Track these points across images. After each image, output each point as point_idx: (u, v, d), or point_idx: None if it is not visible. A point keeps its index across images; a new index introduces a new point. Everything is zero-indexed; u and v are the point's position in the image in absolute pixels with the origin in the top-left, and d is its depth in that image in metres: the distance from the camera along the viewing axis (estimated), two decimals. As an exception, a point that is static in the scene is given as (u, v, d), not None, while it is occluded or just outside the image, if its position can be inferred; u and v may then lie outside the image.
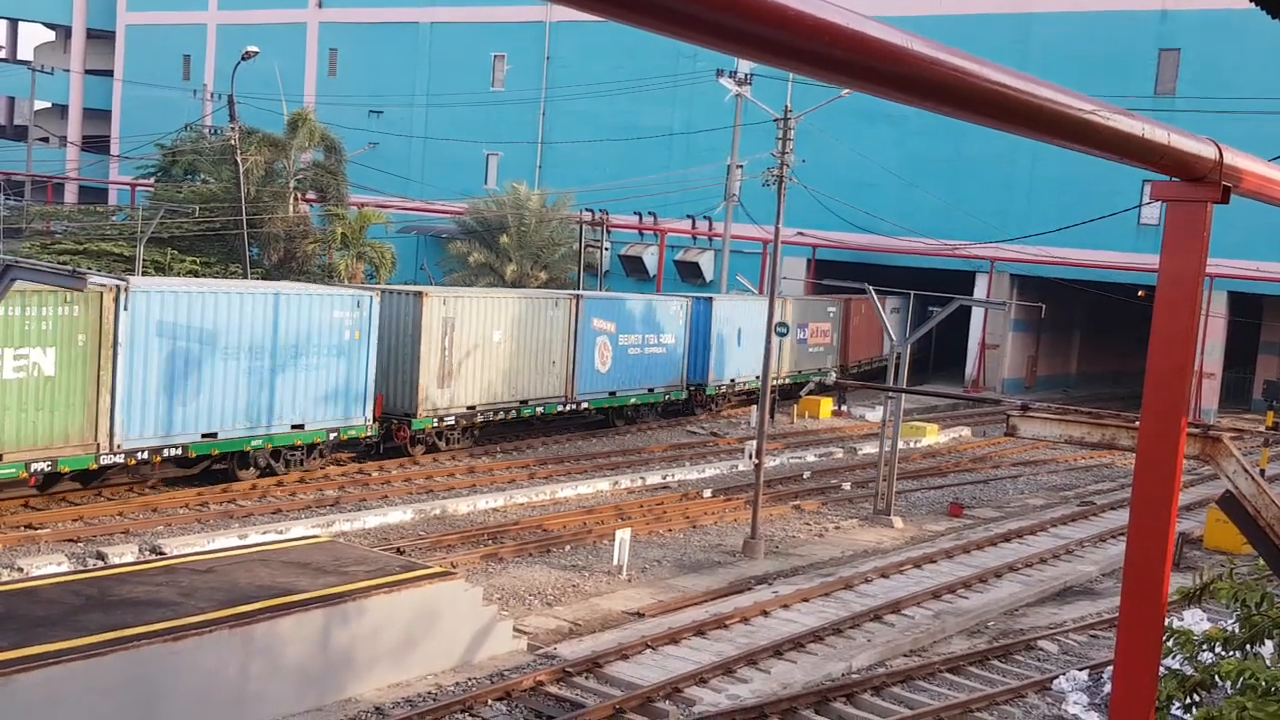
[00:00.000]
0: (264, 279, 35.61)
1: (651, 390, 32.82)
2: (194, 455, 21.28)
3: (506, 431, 30.15)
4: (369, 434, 24.59)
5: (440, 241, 49.86)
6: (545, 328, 28.95)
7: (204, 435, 21.01)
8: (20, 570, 16.32)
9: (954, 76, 3.29)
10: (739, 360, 36.21)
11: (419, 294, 25.94)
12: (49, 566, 16.51)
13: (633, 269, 51.78)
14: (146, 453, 20.11)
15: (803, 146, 34.09)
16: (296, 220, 41.21)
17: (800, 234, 45.29)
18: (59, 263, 29.51)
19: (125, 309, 19.35)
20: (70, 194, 68.64)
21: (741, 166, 41.31)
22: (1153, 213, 39.28)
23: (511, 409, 28.32)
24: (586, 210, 45.09)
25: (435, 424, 26.25)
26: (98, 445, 19.25)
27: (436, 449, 26.64)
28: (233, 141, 37.00)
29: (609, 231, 46.19)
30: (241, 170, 36.15)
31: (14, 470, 18.26)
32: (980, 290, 45.48)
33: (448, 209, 49.54)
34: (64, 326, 18.64)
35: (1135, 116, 4.15)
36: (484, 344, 27.24)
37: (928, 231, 44.19)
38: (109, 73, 71.62)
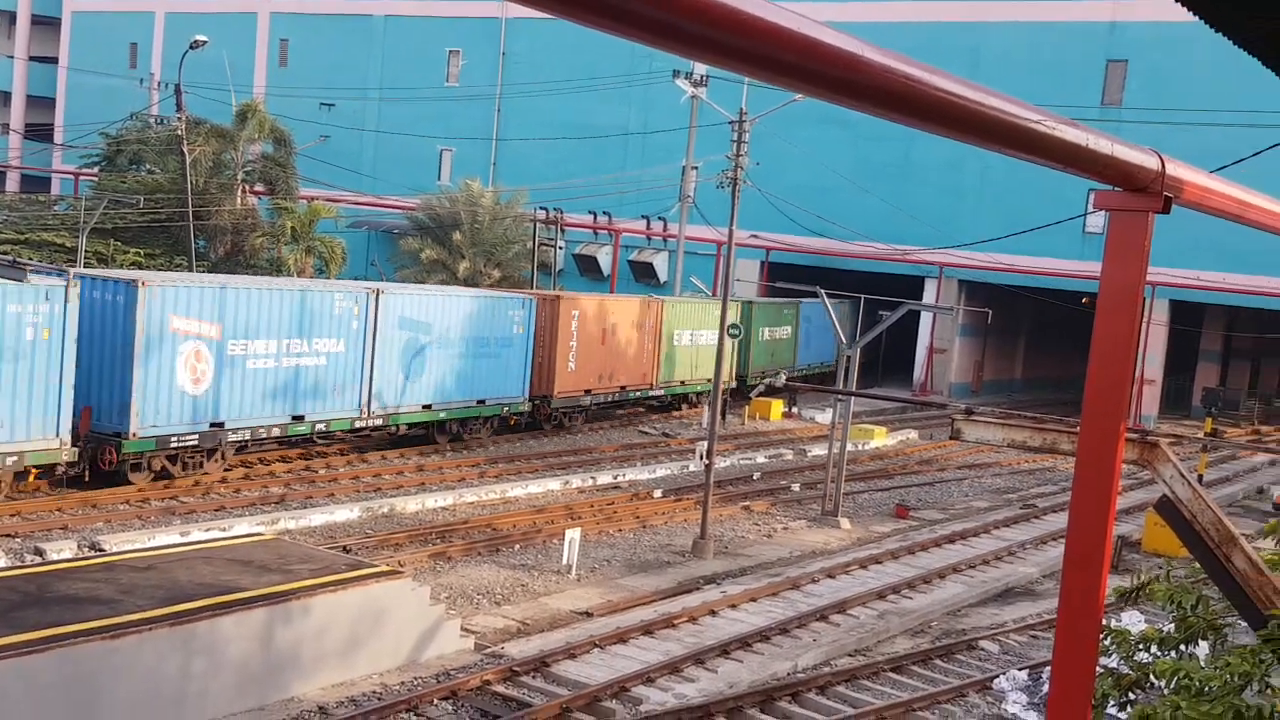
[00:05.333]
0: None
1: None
2: None
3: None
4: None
5: (392, 237, 49.46)
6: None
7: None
8: (-45, 566, 15.98)
9: (905, 85, 3.32)
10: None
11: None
12: (-15, 562, 16.18)
13: (587, 268, 51.72)
14: None
15: (757, 149, 34.20)
16: (244, 213, 40.69)
17: (754, 236, 45.46)
18: (-1, 252, 28.91)
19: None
20: (12, 182, 67.22)
21: (696, 168, 41.38)
22: (1098, 221, 39.93)
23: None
24: (541, 208, 44.93)
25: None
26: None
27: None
28: (179, 132, 36.47)
29: (563, 230, 46.08)
30: (188, 161, 35.65)
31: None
32: (929, 295, 45.92)
33: (400, 204, 49.14)
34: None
35: (1080, 127, 4.22)
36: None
37: (879, 236, 44.53)
38: (54, 59, 70.25)
